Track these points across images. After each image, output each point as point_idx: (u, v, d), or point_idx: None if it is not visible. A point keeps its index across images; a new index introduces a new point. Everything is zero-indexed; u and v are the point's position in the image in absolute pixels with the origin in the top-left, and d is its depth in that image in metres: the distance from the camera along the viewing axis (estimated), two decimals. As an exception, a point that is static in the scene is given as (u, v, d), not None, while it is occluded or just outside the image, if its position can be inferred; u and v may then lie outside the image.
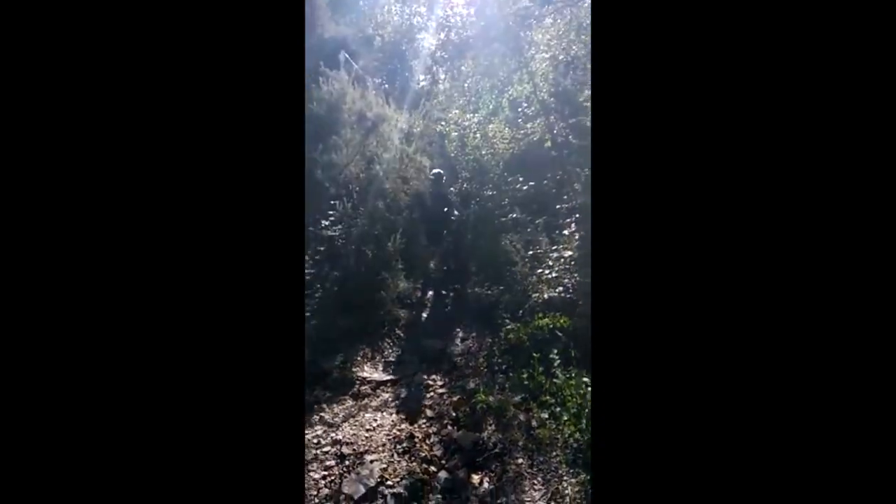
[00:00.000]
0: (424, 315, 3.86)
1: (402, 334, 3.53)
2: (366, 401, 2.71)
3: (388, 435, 2.43)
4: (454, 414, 2.56)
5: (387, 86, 6.65)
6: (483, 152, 5.24)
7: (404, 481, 2.10)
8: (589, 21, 4.53)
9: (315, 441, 2.32)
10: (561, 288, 3.23)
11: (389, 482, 2.11)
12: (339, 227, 3.80)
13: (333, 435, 2.37)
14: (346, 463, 2.20)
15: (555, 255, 3.48)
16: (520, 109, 5.60)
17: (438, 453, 2.29)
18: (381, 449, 2.33)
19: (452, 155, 5.56)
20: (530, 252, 3.71)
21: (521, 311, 3.22)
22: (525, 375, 2.65)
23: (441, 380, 2.95)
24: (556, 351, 2.63)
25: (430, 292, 4.15)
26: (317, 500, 1.97)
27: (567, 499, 1.88)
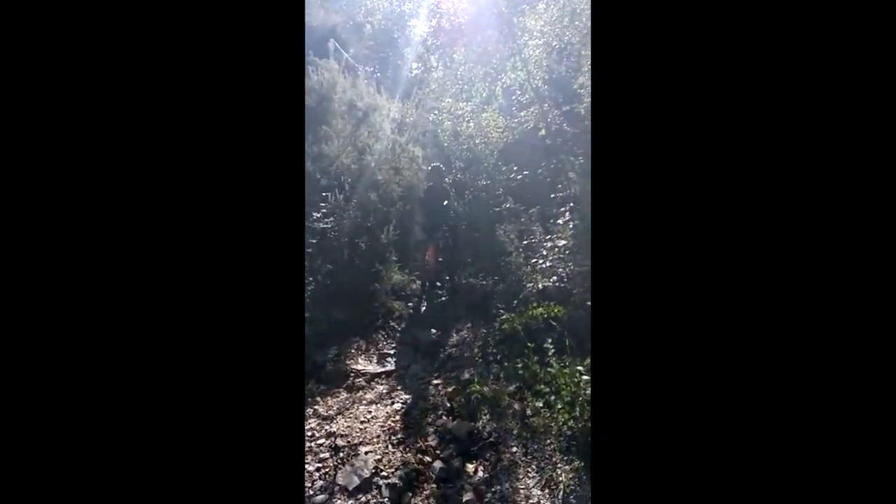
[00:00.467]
0: (419, 307, 3.85)
1: (396, 326, 3.52)
2: (360, 393, 2.70)
3: (382, 426, 2.43)
4: (449, 404, 2.56)
5: (378, 74, 6.56)
6: (477, 142, 5.19)
7: (399, 472, 2.10)
8: (582, 7, 4.46)
9: (309, 434, 2.32)
10: (555, 277, 3.22)
11: (384, 473, 2.12)
12: (332, 219, 3.77)
13: (328, 427, 2.37)
14: (341, 455, 2.20)
15: (549, 244, 3.47)
16: (513, 97, 5.55)
17: (433, 443, 2.29)
18: (375, 440, 2.33)
19: (445, 145, 5.51)
20: (524, 242, 3.70)
21: (515, 302, 3.21)
22: (519, 365, 2.64)
23: (436, 371, 2.95)
24: (550, 340, 2.63)
25: (426, 284, 4.14)
26: (311, 492, 1.97)
27: (561, 485, 1.89)
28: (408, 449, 2.27)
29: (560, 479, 1.92)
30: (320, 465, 2.13)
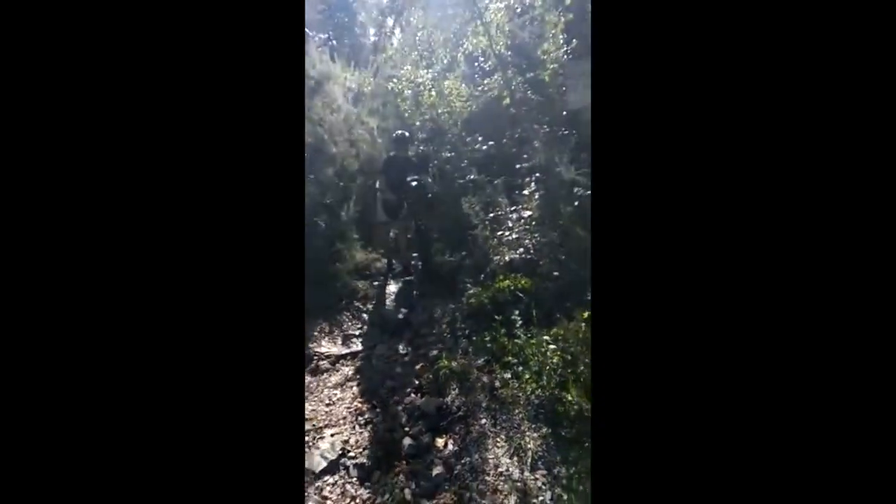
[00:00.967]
0: (384, 286, 3.76)
1: (361, 306, 3.44)
2: (325, 376, 2.63)
3: (349, 408, 2.38)
4: (417, 381, 2.53)
5: (333, 42, 6.17)
6: (439, 111, 5.02)
7: (367, 451, 2.07)
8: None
9: (272, 420, 2.24)
10: (521, 249, 3.20)
11: (352, 454, 2.08)
12: (288, 196, 3.57)
13: (292, 412, 2.29)
14: (306, 439, 2.13)
15: (514, 215, 3.44)
16: (476, 64, 5.37)
17: (402, 421, 2.26)
18: (342, 422, 2.28)
19: (406, 115, 5.30)
20: (491, 214, 3.65)
21: (482, 276, 3.18)
22: (487, 338, 2.64)
23: (403, 349, 2.90)
24: (517, 312, 2.62)
25: (391, 262, 4.03)
26: (276, 480, 1.91)
27: (529, 452, 1.91)
28: (375, 428, 2.23)
29: (528, 446, 1.94)
30: (285, 451, 2.06)
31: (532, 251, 3.16)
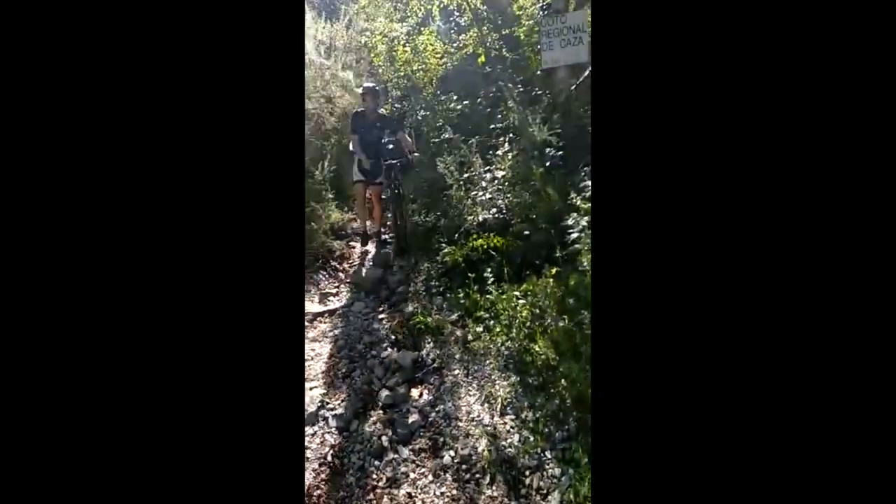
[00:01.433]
0: (362, 246, 3.76)
1: (338, 266, 3.45)
2: (304, 332, 2.67)
3: (327, 363, 2.44)
4: (393, 337, 2.61)
5: (300, -11, 5.78)
6: (414, 68, 4.86)
7: (345, 403, 2.16)
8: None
9: (251, 376, 2.29)
10: (494, 209, 3.24)
11: (330, 405, 2.16)
12: (258, 155, 3.46)
13: (270, 368, 2.34)
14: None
15: (488, 175, 3.45)
16: (451, 19, 5.16)
17: (379, 374, 2.35)
18: (321, 377, 2.35)
19: (381, 70, 5.11)
20: (465, 175, 3.65)
21: (457, 235, 3.23)
22: (461, 295, 2.72)
23: (380, 306, 2.96)
24: (489, 269, 2.70)
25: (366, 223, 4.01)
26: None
27: (499, 399, 2.04)
28: (354, 382, 2.31)
29: (498, 394, 2.07)
30: (264, 404, 2.13)
31: (505, 211, 3.21)
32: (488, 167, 3.46)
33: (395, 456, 1.91)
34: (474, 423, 1.98)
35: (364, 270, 3.36)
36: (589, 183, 2.70)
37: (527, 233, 2.95)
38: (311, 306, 2.95)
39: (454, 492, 1.72)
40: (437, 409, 2.10)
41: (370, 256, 3.63)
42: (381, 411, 2.13)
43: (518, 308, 2.37)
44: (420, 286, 3.06)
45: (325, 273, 3.33)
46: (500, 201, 3.23)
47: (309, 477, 1.83)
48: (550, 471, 1.69)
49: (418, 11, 5.14)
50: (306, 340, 2.61)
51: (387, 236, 3.84)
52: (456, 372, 2.27)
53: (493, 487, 1.70)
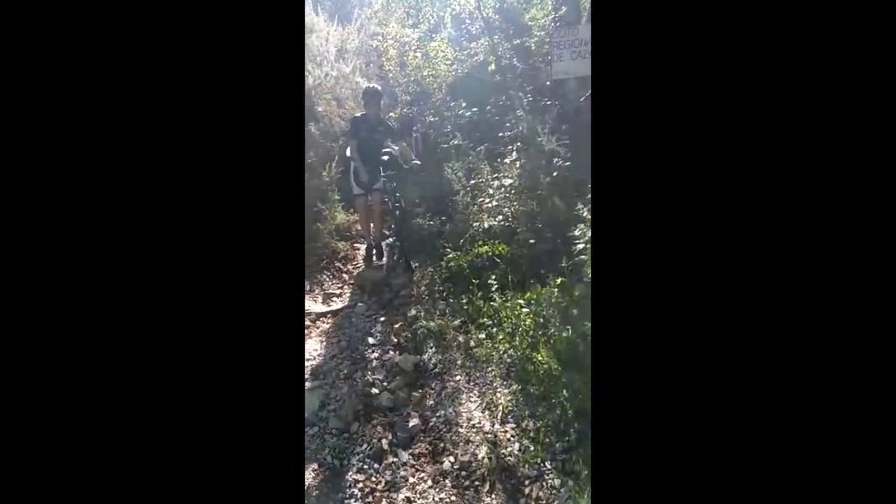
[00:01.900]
0: (365, 247, 3.77)
1: (342, 267, 3.45)
2: (305, 332, 2.67)
3: (328, 364, 2.44)
4: (395, 340, 2.61)
5: (315, -9, 5.83)
6: (424, 73, 4.89)
7: (346, 404, 2.15)
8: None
9: (253, 374, 2.29)
10: (500, 216, 3.25)
11: (331, 406, 2.16)
12: (267, 153, 3.47)
13: (272, 367, 2.34)
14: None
15: (496, 183, 3.46)
16: (463, 27, 5.21)
17: (380, 377, 2.36)
18: (322, 377, 2.35)
19: (391, 75, 5.15)
20: (472, 181, 3.66)
21: (461, 241, 3.24)
22: (465, 301, 2.72)
23: (382, 309, 2.96)
24: (494, 276, 2.71)
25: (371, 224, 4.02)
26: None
27: (500, 407, 2.04)
28: (355, 383, 2.31)
29: (499, 401, 2.07)
30: (265, 402, 2.13)
31: (511, 219, 3.22)
32: (496, 174, 3.48)
33: (395, 459, 1.90)
34: (475, 429, 1.98)
35: (367, 272, 3.37)
36: (596, 194, 2.71)
37: (532, 241, 2.96)
38: (315, 306, 2.96)
39: (453, 498, 1.72)
40: (437, 414, 2.10)
41: (370, 254, 3.63)
42: (381, 414, 2.13)
43: (521, 316, 2.37)
44: (423, 290, 3.06)
45: (328, 273, 3.33)
46: (506, 209, 3.24)
47: (309, 477, 1.83)
48: (550, 481, 1.69)
49: (430, 18, 5.19)
50: (309, 339, 2.61)
51: (391, 241, 3.83)
52: (457, 378, 2.27)
53: (493, 496, 1.70)
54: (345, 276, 3.37)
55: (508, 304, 2.48)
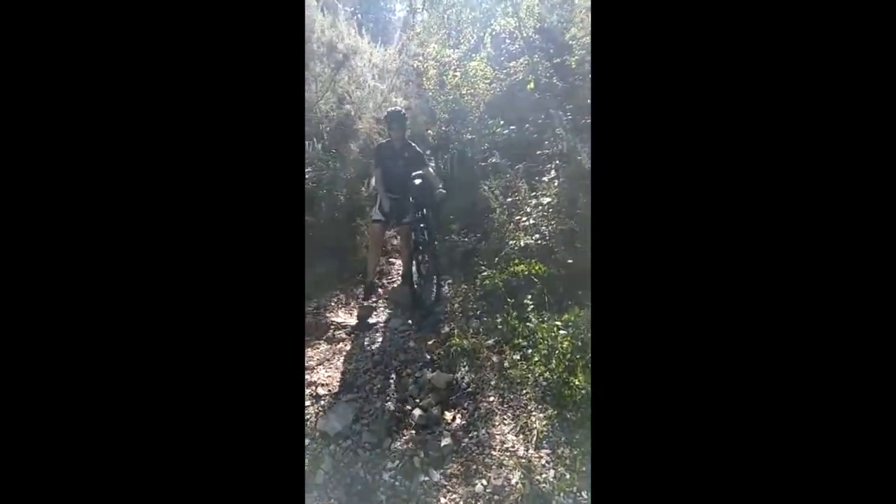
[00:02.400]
0: (406, 265, 3.81)
1: (377, 281, 3.51)
2: (340, 345, 2.72)
3: (363, 377, 2.47)
4: (428, 356, 2.61)
5: (360, 15, 6.10)
6: (463, 92, 4.97)
7: (379, 419, 2.16)
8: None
9: (290, 383, 2.34)
10: (537, 235, 3.22)
11: (364, 420, 2.17)
12: (310, 170, 3.62)
13: (308, 377, 2.39)
14: (322, 403, 2.23)
15: (533, 201, 3.44)
16: (503, 46, 5.28)
17: (413, 393, 2.35)
18: (356, 390, 2.37)
19: (430, 94, 5.26)
20: (509, 199, 3.66)
21: (497, 259, 3.22)
22: (499, 319, 2.69)
23: (416, 324, 2.97)
24: (530, 296, 2.67)
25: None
26: (293, 439, 2.01)
27: (535, 432, 1.98)
28: (388, 398, 2.32)
29: (534, 425, 2.01)
30: (301, 412, 2.16)
31: (548, 237, 3.17)
32: (534, 193, 3.46)
33: (426, 478, 1.88)
34: (508, 453, 1.93)
35: (402, 287, 3.40)
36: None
37: (570, 261, 2.91)
38: (350, 319, 3.01)
39: (485, 524, 1.67)
40: (470, 435, 2.06)
41: (406, 270, 3.64)
42: (413, 431, 2.12)
43: (558, 338, 2.31)
44: (457, 307, 3.05)
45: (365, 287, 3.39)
46: (543, 227, 3.20)
47: (340, 492, 1.83)
48: (587, 513, 1.61)
49: (471, 38, 5.29)
50: (343, 353, 2.65)
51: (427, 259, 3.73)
52: (491, 398, 2.23)
53: (527, 524, 1.64)
54: (380, 290, 3.42)
55: (545, 325, 2.43)
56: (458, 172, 4.36)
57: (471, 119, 4.83)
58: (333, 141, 3.93)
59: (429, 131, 5.05)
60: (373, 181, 3.16)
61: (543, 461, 1.86)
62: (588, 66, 4.16)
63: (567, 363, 2.19)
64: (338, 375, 2.44)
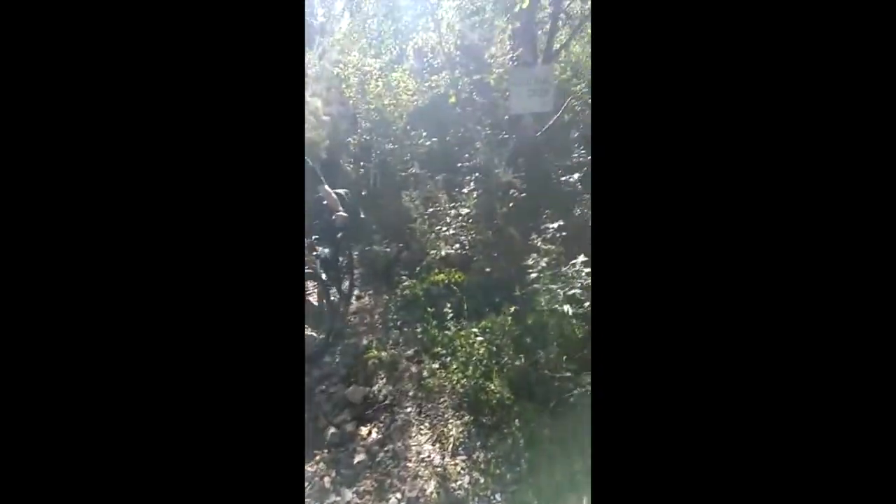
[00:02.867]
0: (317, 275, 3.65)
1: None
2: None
3: (271, 396, 2.29)
4: (344, 371, 2.51)
5: (277, 16, 5.83)
6: (385, 102, 4.96)
7: (288, 441, 2.01)
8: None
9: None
10: (457, 245, 3.28)
11: (271, 443, 2.01)
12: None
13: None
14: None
15: (453, 212, 3.51)
16: (425, 60, 5.38)
17: (326, 410, 2.24)
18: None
19: (351, 102, 5.18)
20: (430, 209, 3.69)
21: (418, 269, 3.22)
22: (419, 329, 2.68)
23: (332, 338, 2.85)
24: (449, 305, 2.69)
25: (325, 250, 3.91)
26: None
27: (451, 439, 1.98)
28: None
29: (451, 433, 2.02)
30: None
31: (467, 247, 3.25)
32: (453, 204, 3.53)
33: (338, 498, 1.79)
34: (424, 463, 1.91)
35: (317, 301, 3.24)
36: (549, 226, 2.80)
37: (488, 270, 3.00)
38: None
39: (399, 540, 1.62)
40: (385, 448, 2.00)
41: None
42: (325, 450, 2.01)
43: (476, 345, 2.35)
44: (377, 318, 2.99)
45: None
46: (463, 238, 3.27)
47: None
48: (500, 515, 1.64)
49: (392, 49, 5.32)
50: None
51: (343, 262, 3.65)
52: (408, 409, 2.20)
53: (440, 535, 1.62)
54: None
55: (463, 333, 2.46)
56: (379, 182, 4.32)
57: (393, 129, 4.83)
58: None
59: (350, 139, 4.95)
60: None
61: (459, 468, 1.87)
62: (505, 84, 4.39)
63: (483, 369, 2.24)
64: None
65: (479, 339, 2.39)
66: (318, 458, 1.95)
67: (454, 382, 2.26)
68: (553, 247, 2.66)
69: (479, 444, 1.94)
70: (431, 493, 1.75)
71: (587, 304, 2.18)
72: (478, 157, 4.08)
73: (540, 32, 4.39)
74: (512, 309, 2.46)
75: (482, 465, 1.84)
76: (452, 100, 4.80)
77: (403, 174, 4.16)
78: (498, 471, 1.80)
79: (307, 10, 6.20)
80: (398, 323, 2.87)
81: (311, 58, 5.18)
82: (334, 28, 5.38)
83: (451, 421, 2.08)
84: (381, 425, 2.14)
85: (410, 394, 2.28)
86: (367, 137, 4.85)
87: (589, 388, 1.84)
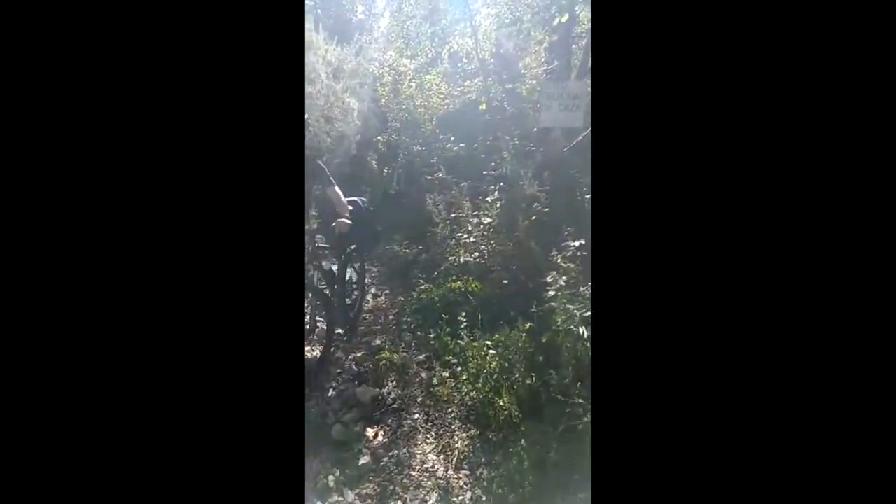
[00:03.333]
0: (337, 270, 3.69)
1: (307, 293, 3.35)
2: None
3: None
4: (356, 369, 2.53)
5: (319, 11, 5.92)
6: (417, 103, 4.99)
7: (295, 435, 2.04)
8: (539, -17, 4.40)
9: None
10: (477, 253, 3.27)
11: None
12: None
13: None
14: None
15: (475, 220, 3.50)
16: (459, 65, 5.39)
17: (335, 407, 2.25)
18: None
19: (383, 101, 5.22)
20: (452, 215, 3.70)
21: (435, 273, 3.22)
22: (432, 335, 2.68)
23: (346, 335, 2.87)
24: (464, 314, 2.69)
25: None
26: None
27: (456, 452, 1.98)
28: (308, 412, 2.20)
29: (456, 445, 2.01)
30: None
31: (486, 257, 3.24)
32: (476, 212, 3.52)
33: (340, 498, 1.80)
34: (427, 473, 1.90)
35: (333, 297, 3.27)
36: (571, 243, 2.78)
37: (505, 282, 2.98)
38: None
39: (396, 548, 1.63)
40: (390, 453, 2.01)
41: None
42: (330, 448, 2.02)
43: (487, 358, 2.35)
44: (391, 319, 3.00)
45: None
46: (483, 247, 3.27)
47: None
48: (500, 537, 1.63)
49: (429, 52, 5.35)
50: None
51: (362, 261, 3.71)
52: (416, 416, 2.20)
53: (439, 548, 1.62)
54: (310, 296, 3.26)
55: (476, 344, 2.46)
56: (404, 182, 4.34)
57: (422, 131, 4.85)
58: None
59: (379, 137, 4.99)
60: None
61: (462, 482, 1.86)
62: (537, 96, 4.37)
63: (493, 383, 2.22)
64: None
65: (492, 352, 2.38)
66: (323, 455, 1.97)
67: (463, 393, 2.25)
68: (573, 265, 2.63)
69: (483, 460, 1.93)
70: (432, 504, 1.74)
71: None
72: (504, 167, 4.07)
73: (576, 47, 4.36)
74: (527, 325, 2.44)
75: (485, 483, 1.83)
76: (483, 107, 4.80)
77: (429, 177, 4.17)
78: (500, 490, 1.79)
79: (347, 5, 6.27)
80: (412, 326, 2.88)
81: (348, 53, 5.24)
82: (373, 26, 5.43)
83: (457, 433, 2.08)
84: (387, 429, 2.15)
85: (419, 400, 2.28)
86: (396, 137, 4.88)
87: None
